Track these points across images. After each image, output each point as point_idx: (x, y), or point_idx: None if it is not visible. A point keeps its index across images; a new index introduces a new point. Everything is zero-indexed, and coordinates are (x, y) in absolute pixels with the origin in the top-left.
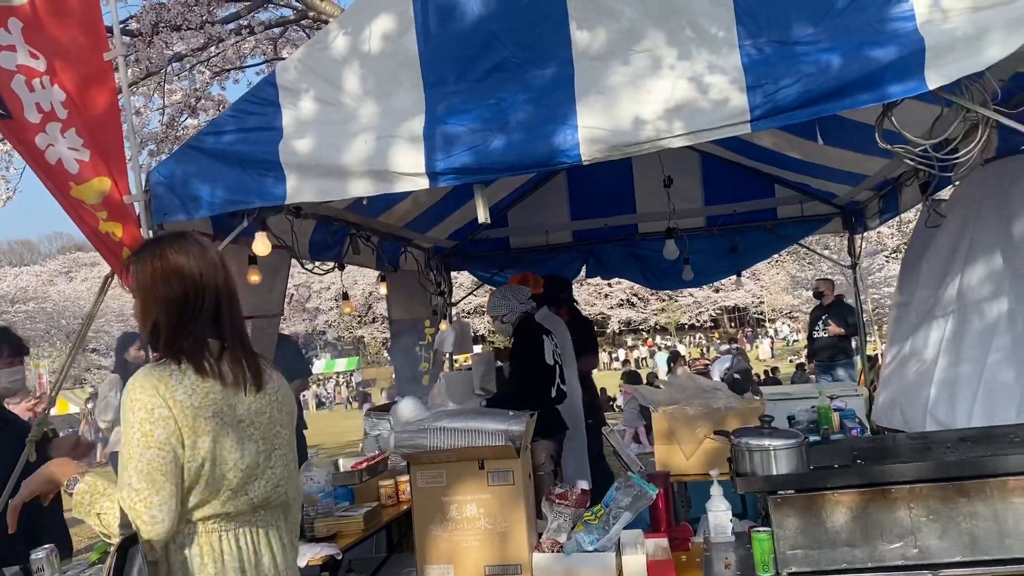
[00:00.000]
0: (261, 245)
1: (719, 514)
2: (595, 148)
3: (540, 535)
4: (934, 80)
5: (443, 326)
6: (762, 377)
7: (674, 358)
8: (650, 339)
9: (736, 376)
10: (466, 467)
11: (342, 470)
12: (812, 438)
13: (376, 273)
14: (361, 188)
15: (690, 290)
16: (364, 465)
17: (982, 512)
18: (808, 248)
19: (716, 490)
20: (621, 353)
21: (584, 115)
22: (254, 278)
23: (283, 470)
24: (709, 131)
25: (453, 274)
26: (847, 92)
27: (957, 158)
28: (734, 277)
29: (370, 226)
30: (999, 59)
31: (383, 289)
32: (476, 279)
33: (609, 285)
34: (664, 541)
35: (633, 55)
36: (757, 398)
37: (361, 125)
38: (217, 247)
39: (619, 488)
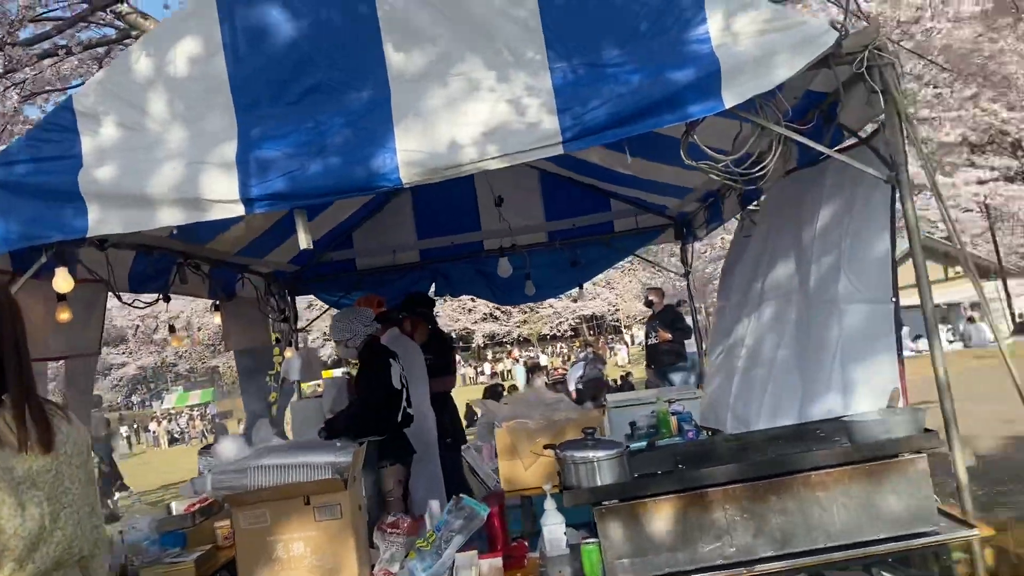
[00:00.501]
0: (62, 281)
1: (553, 528)
2: (414, 171)
3: (373, 566)
4: (730, 99)
5: (288, 353)
6: (618, 382)
7: (532, 370)
8: (514, 351)
9: (579, 387)
10: (291, 504)
11: (175, 513)
12: (635, 446)
13: None
14: (171, 217)
15: (550, 301)
16: (197, 507)
17: (790, 508)
18: (643, 258)
19: (550, 504)
20: (487, 367)
21: (402, 138)
22: (64, 316)
23: (75, 528)
24: (523, 153)
25: (308, 297)
26: (652, 112)
27: (756, 172)
28: (577, 289)
29: (199, 254)
30: (786, 79)
31: (217, 319)
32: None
33: (472, 300)
34: (498, 561)
35: (450, 78)
36: (603, 405)
37: (169, 151)
38: (10, 286)
39: (450, 511)
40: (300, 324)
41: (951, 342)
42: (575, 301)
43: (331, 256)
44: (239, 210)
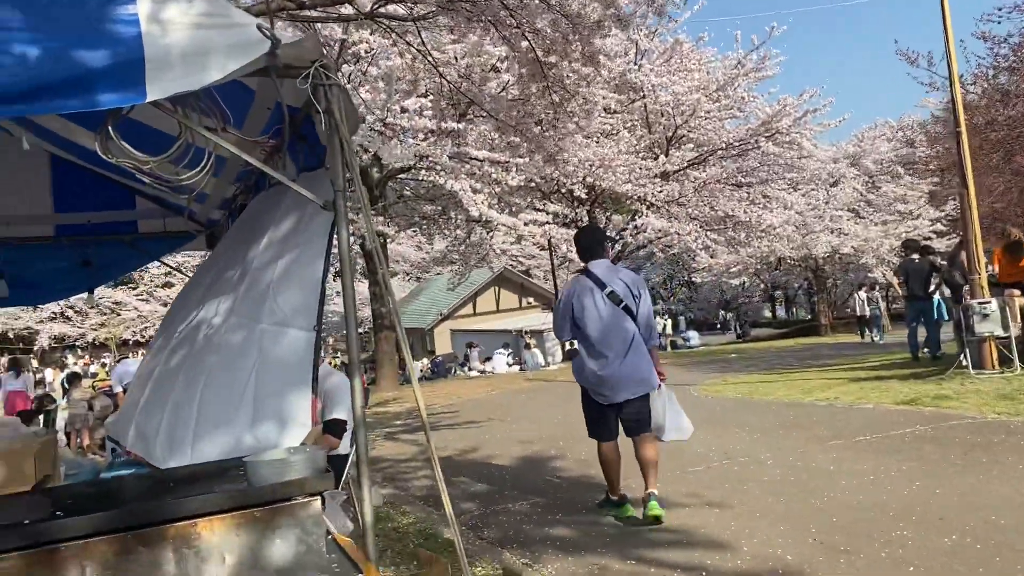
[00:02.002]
0: None
1: None
2: None
3: None
4: (154, 92)
5: None
6: None
7: (71, 379)
8: (87, 357)
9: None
10: None
11: None
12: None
13: None
14: None
15: (135, 304)
16: None
17: (164, 561)
18: (167, 265)
19: None
20: (48, 373)
21: None
22: None
23: None
24: None
25: None
26: (53, 94)
27: (184, 179)
28: (87, 294)
29: None
30: (215, 81)
31: None
32: None
33: None
34: None
35: None
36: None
37: None
38: None
39: None
40: None
41: (510, 365)
42: (165, 305)
43: None
44: None
